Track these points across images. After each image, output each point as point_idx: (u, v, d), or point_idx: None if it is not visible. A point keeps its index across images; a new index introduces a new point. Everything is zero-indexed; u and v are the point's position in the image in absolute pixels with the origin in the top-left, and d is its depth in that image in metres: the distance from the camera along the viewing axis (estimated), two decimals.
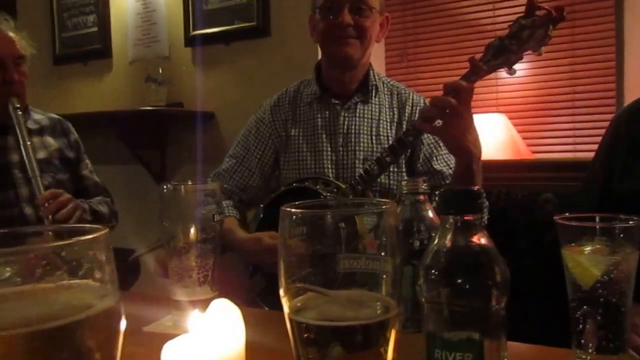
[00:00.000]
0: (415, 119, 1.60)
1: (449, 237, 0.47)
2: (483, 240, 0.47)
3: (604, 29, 2.25)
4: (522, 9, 2.55)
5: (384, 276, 0.52)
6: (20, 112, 1.64)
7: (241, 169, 1.72)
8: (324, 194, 1.49)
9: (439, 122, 1.43)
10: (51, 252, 0.35)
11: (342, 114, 1.64)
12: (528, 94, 2.38)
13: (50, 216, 1.52)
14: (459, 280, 0.45)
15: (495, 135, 2.15)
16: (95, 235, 0.36)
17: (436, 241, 0.49)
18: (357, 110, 1.64)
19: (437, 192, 1.54)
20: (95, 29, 2.99)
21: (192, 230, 0.93)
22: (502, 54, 1.30)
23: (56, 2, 3.13)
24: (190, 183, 0.94)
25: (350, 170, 1.60)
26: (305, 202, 0.54)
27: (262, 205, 1.64)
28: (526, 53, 1.32)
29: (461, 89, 1.26)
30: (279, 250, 0.53)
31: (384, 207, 0.49)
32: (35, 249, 0.35)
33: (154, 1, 2.77)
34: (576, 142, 2.28)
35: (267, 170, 1.72)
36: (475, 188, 0.48)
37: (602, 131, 1.40)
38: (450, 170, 1.57)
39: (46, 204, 1.53)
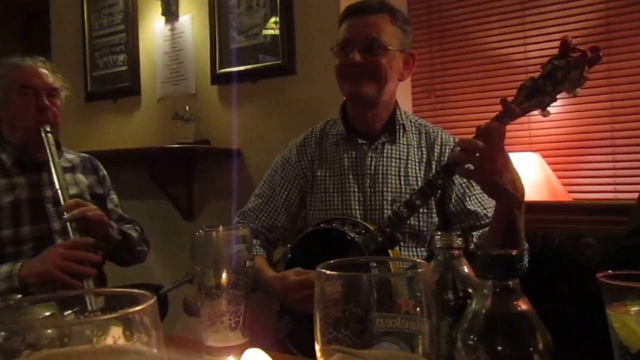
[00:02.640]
0: (445, 159, 1.61)
1: (487, 301, 0.47)
2: (523, 306, 0.47)
3: None
4: (555, 44, 2.56)
5: (420, 336, 0.53)
6: (50, 135, 1.77)
7: (267, 208, 1.74)
8: (352, 235, 1.50)
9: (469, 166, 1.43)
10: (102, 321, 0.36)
11: (369, 154, 1.65)
12: (563, 132, 2.35)
13: (71, 223, 1.62)
14: (499, 347, 0.45)
15: (529, 176, 2.13)
16: (145, 305, 0.38)
17: (474, 305, 0.49)
18: (385, 151, 1.65)
19: (473, 234, 1.53)
20: (125, 67, 3.09)
21: (224, 276, 0.94)
22: (536, 95, 1.30)
23: (88, 42, 3.26)
24: (222, 229, 0.96)
25: (378, 212, 1.60)
26: (341, 260, 0.55)
27: (290, 246, 1.65)
28: (561, 94, 1.31)
29: (493, 131, 1.26)
30: (314, 310, 0.53)
31: (419, 269, 0.49)
32: (87, 322, 0.36)
33: (182, 41, 2.87)
34: (617, 183, 2.22)
35: (293, 210, 1.73)
36: (515, 252, 0.48)
37: None
38: (484, 211, 1.55)
39: (69, 211, 1.63)
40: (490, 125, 1.27)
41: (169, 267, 2.83)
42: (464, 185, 1.60)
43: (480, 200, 1.58)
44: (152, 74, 3.00)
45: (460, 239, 0.68)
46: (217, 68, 2.72)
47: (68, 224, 1.64)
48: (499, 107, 1.33)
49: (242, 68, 2.63)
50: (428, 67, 2.63)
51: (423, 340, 0.52)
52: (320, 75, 2.43)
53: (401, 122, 1.67)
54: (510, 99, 1.33)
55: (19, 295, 0.94)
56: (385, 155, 1.64)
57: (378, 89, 1.58)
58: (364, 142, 1.66)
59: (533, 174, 2.15)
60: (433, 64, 2.62)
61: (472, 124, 2.46)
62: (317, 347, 0.54)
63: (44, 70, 1.82)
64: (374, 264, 0.68)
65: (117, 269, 1.99)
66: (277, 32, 2.51)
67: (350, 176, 1.65)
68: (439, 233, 0.69)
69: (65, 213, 1.64)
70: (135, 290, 0.41)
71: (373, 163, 1.64)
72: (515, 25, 2.46)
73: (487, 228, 1.52)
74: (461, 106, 2.59)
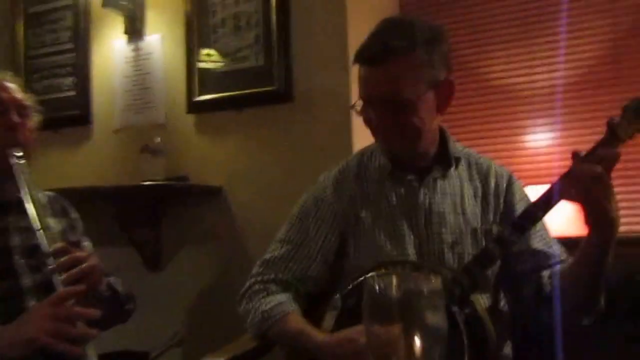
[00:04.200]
0: (503, 193, 1.51)
1: None
2: None
3: None
4: (562, 73, 2.59)
5: None
6: (24, 161, 1.50)
7: (299, 255, 1.53)
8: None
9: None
10: None
11: (421, 191, 1.51)
12: None
13: (62, 274, 1.35)
14: None
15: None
16: None
17: None
18: (437, 186, 1.52)
19: (542, 274, 1.43)
20: (73, 92, 2.79)
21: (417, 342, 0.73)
22: None
23: (23, 63, 2.93)
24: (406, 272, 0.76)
25: (437, 256, 1.45)
26: None
27: (340, 295, 1.45)
28: None
29: (609, 156, 1.22)
30: None
31: None
32: None
33: (149, 64, 2.63)
34: None
35: (330, 257, 1.54)
36: None
37: None
38: (550, 249, 1.47)
39: (59, 259, 1.36)
40: (605, 151, 1.23)
41: (131, 326, 2.51)
42: None
43: (544, 238, 1.50)
44: (108, 101, 2.73)
45: None
46: (195, 95, 2.50)
47: (55, 275, 1.36)
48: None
49: (226, 94, 2.45)
50: None
51: None
52: (323, 101, 2.29)
53: (456, 155, 1.55)
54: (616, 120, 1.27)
55: None
56: (438, 191, 1.51)
57: (413, 143, 1.45)
58: (413, 177, 1.52)
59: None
60: None
61: None
62: None
63: (13, 85, 1.56)
64: None
65: None
66: (271, 54, 2.36)
67: (402, 217, 1.49)
68: None
69: (51, 260, 1.37)
70: None
71: (427, 201, 1.50)
72: (521, 54, 2.46)
73: (561, 266, 1.43)
74: (464, 139, 2.53)
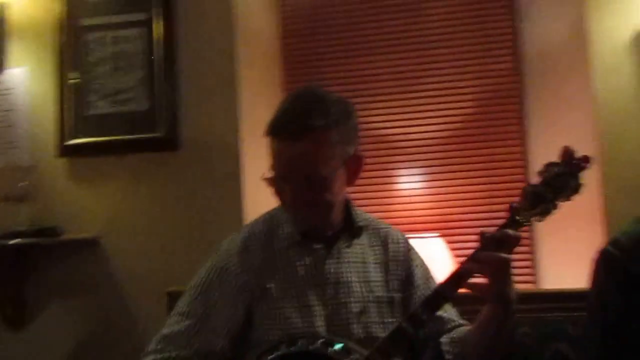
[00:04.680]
0: (402, 258, 1.57)
1: None
2: None
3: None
4: (438, 127, 2.74)
5: None
6: None
7: (202, 331, 1.45)
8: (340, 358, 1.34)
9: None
10: None
11: (328, 260, 1.52)
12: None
13: None
14: None
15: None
16: None
17: None
18: (343, 255, 1.54)
19: (442, 340, 1.50)
20: None
21: None
22: (540, 203, 1.32)
23: None
24: None
25: (344, 327, 1.47)
26: None
27: None
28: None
29: (511, 238, 1.28)
30: None
31: None
32: None
33: (10, 99, 2.38)
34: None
35: (236, 330, 1.49)
36: None
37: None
38: (447, 314, 1.55)
39: None
40: (508, 234, 1.29)
41: None
42: (425, 289, 1.57)
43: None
44: None
45: None
46: (68, 137, 2.30)
47: None
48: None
49: (104, 139, 2.29)
50: None
51: None
52: (211, 150, 2.23)
53: (360, 224, 1.58)
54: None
55: None
56: (344, 260, 1.53)
57: (324, 217, 1.48)
58: (320, 246, 1.52)
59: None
60: None
61: None
62: None
63: None
64: None
65: None
66: (155, 98, 2.24)
67: (309, 287, 1.49)
68: None
69: None
70: None
71: (332, 270, 1.51)
72: (398, 107, 2.59)
73: (457, 332, 1.51)
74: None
